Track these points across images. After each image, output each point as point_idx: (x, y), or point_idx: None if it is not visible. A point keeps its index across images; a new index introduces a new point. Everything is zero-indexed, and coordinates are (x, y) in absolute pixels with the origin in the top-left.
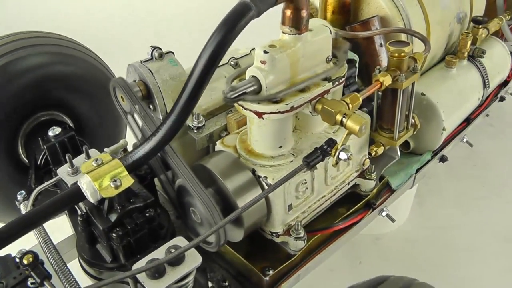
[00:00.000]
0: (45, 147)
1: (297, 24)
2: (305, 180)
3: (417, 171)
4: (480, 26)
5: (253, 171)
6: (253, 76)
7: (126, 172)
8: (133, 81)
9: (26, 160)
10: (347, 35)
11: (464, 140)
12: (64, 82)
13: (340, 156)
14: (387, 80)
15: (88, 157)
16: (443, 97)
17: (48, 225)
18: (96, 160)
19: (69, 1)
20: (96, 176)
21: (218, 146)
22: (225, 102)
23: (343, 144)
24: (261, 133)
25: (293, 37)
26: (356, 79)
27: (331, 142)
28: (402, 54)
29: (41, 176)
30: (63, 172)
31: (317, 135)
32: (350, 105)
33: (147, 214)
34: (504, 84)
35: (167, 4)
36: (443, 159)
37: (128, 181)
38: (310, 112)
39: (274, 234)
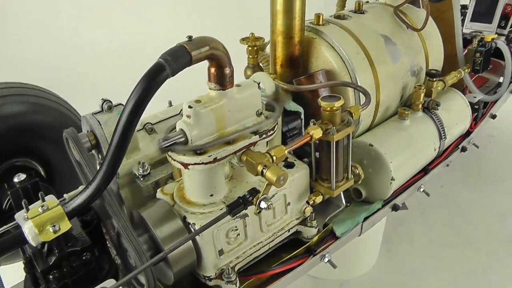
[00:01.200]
0: (9, 192)
1: (221, 81)
2: (236, 227)
3: (366, 219)
4: (435, 79)
5: (184, 218)
6: (181, 129)
7: (65, 218)
8: (86, 132)
9: None
10: (290, 88)
11: (421, 189)
12: (37, 131)
13: (260, 205)
14: (317, 133)
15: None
16: (393, 148)
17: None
18: (42, 206)
19: (46, 51)
20: (38, 221)
21: (158, 194)
22: (160, 151)
23: (263, 194)
24: (191, 182)
25: (218, 93)
26: (303, 130)
27: (253, 192)
28: (334, 108)
29: (5, 220)
30: (20, 216)
31: (251, 184)
32: (275, 157)
33: (84, 257)
34: (467, 134)
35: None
36: (395, 207)
37: (66, 226)
38: (236, 163)
39: (206, 278)
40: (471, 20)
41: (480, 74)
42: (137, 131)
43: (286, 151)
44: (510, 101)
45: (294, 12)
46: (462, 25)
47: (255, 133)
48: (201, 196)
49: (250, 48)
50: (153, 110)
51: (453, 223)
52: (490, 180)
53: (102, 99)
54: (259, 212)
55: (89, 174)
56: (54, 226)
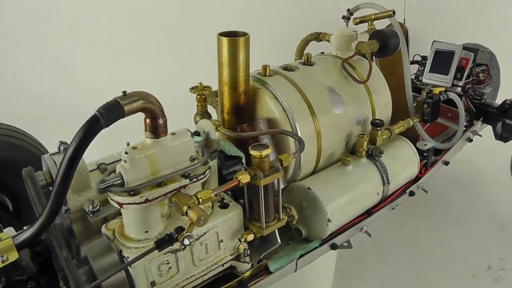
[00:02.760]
0: None
1: (154, 130)
2: (168, 260)
3: (302, 256)
4: (379, 128)
5: (120, 252)
6: (119, 172)
7: (14, 249)
8: (44, 171)
9: None
10: (232, 135)
11: (364, 230)
12: (5, 167)
13: (184, 242)
14: (244, 178)
15: None
16: (331, 191)
17: None
18: None
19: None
20: None
21: (102, 229)
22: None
23: (187, 232)
24: (128, 220)
25: (152, 141)
26: None
27: (179, 229)
28: (262, 156)
29: None
30: None
31: (186, 222)
32: (201, 199)
33: (29, 286)
34: (416, 179)
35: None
36: (333, 246)
37: (13, 256)
38: (167, 203)
39: None
40: (430, 71)
41: (441, 122)
42: (91, 171)
43: (212, 194)
44: (477, 149)
45: (238, 65)
46: (422, 76)
47: (185, 177)
48: (137, 232)
49: (198, 97)
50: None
51: (410, 263)
52: (452, 222)
53: (60, 141)
54: (184, 248)
55: (40, 210)
56: (2, 256)
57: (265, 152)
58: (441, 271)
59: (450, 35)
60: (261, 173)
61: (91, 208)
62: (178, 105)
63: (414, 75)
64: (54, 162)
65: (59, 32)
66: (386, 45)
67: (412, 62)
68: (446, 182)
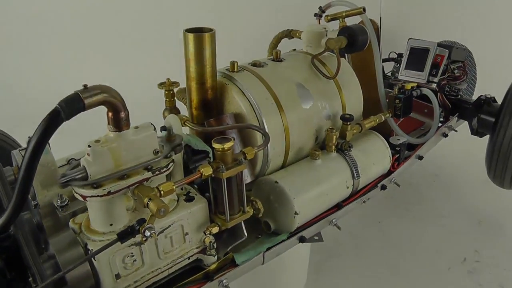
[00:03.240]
0: None
1: (117, 124)
2: (132, 253)
3: (269, 249)
4: (348, 123)
5: (86, 245)
6: (83, 165)
7: None
8: (14, 166)
9: None
10: (199, 129)
11: (333, 223)
12: None
13: (145, 234)
14: (206, 171)
15: None
16: (299, 185)
17: None
18: None
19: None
20: None
21: (70, 223)
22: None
23: (148, 223)
24: (92, 213)
25: (115, 134)
26: None
27: (141, 221)
28: (224, 148)
29: None
30: None
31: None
32: (162, 192)
33: None
34: (388, 174)
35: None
36: (302, 239)
37: None
38: (131, 196)
39: None
40: (405, 68)
41: (418, 118)
42: (61, 166)
43: (174, 186)
44: (456, 144)
45: (204, 61)
46: (398, 72)
47: (148, 169)
48: (102, 226)
49: (166, 92)
50: None
51: (386, 257)
52: (429, 217)
53: (29, 136)
54: (145, 240)
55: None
56: None
57: (227, 145)
58: (416, 265)
59: (429, 33)
60: (224, 166)
61: (59, 203)
62: (150, 102)
63: (390, 72)
64: (23, 157)
65: (25, 31)
66: (354, 41)
67: (388, 59)
68: (425, 177)
